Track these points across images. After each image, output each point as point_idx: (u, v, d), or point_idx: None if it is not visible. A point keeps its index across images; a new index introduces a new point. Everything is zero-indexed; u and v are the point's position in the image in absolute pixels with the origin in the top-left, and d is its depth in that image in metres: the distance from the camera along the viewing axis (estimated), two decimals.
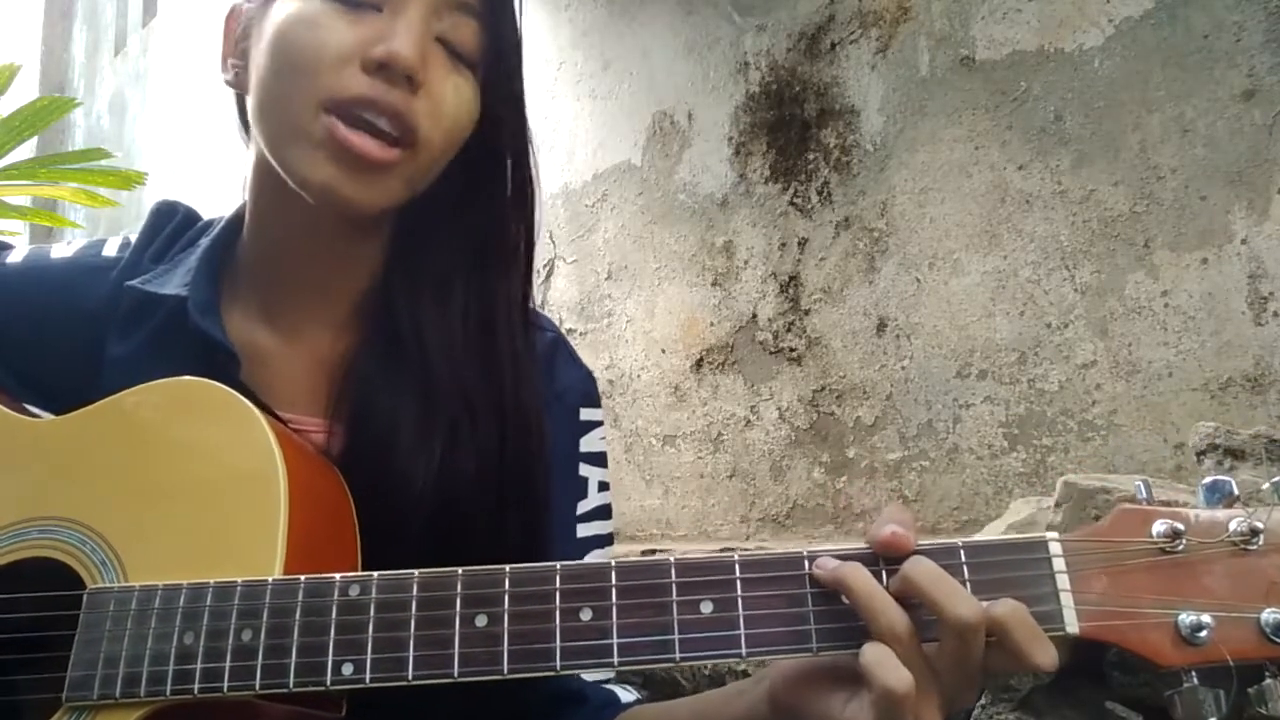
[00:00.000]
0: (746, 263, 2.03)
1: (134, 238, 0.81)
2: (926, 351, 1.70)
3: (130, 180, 2.17)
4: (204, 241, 0.79)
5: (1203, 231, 1.38)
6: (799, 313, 1.92)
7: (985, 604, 0.52)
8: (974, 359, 1.63)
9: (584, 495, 0.83)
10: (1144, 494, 0.57)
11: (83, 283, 0.78)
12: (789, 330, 1.94)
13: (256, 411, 0.64)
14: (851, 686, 0.56)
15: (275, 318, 0.78)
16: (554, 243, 2.51)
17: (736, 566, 0.56)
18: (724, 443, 2.03)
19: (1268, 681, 0.52)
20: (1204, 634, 0.52)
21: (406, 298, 0.77)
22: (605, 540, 0.83)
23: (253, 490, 0.61)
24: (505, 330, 0.77)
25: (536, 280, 2.74)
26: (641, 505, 2.19)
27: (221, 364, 0.70)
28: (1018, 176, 1.60)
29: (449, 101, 0.72)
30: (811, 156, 1.93)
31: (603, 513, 0.83)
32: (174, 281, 0.75)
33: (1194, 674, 0.53)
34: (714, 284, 2.09)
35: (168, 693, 0.56)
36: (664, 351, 2.19)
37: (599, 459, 0.85)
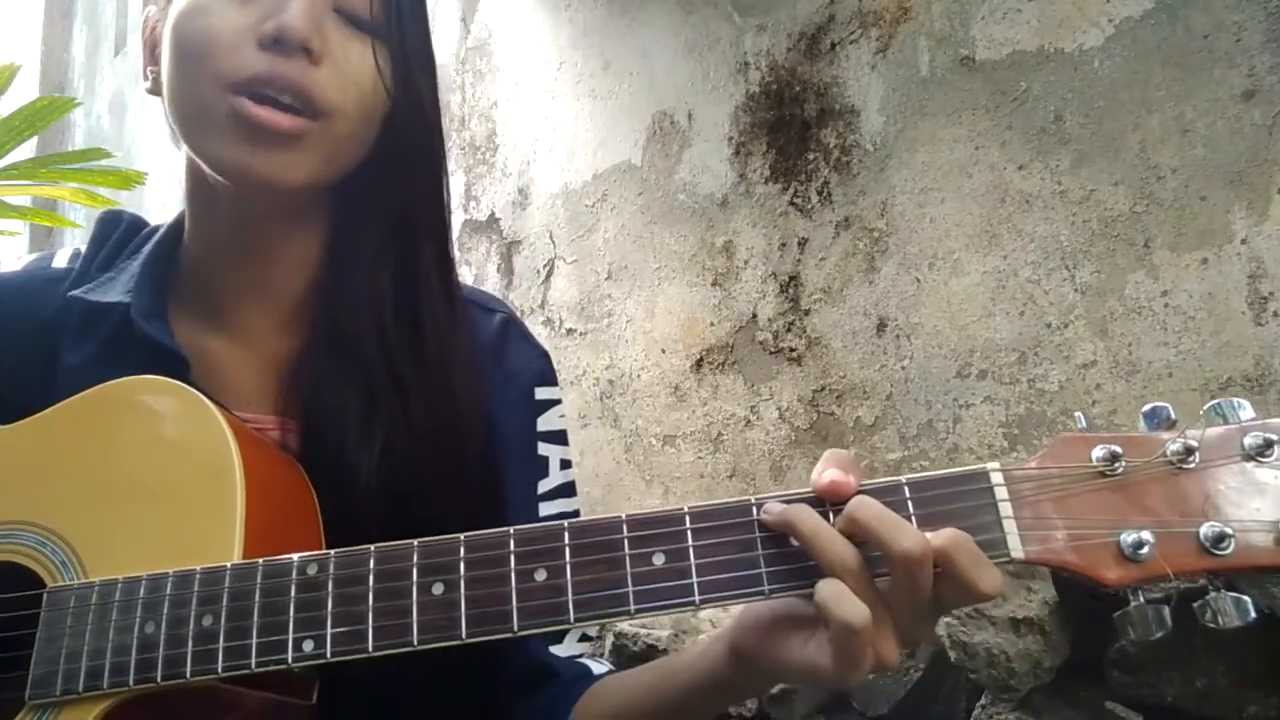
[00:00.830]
0: (746, 263, 2.03)
1: (84, 248, 0.82)
2: (926, 351, 1.70)
3: (130, 180, 2.17)
4: (146, 248, 0.80)
5: (1203, 231, 1.38)
6: (799, 313, 1.92)
7: (929, 535, 0.53)
8: (974, 359, 1.63)
9: (545, 474, 0.83)
10: (1083, 423, 0.58)
11: (34, 296, 0.79)
12: (789, 330, 1.94)
13: (211, 405, 0.65)
14: (809, 628, 0.57)
15: (221, 319, 0.79)
16: (554, 243, 2.51)
17: (686, 518, 0.57)
18: (724, 443, 2.04)
19: (1211, 595, 0.53)
20: (1145, 550, 0.53)
21: (342, 289, 0.78)
22: (571, 517, 0.84)
23: (209, 482, 0.62)
24: (428, 308, 0.78)
25: (537, 280, 2.74)
26: (641, 505, 2.19)
27: (172, 368, 0.71)
28: (1018, 176, 1.60)
29: (353, 68, 0.72)
30: (811, 156, 1.93)
31: (566, 490, 0.84)
32: (117, 289, 0.76)
33: (1140, 593, 0.54)
34: (714, 284, 2.09)
35: (131, 683, 0.57)
36: (664, 351, 2.19)
37: (558, 437, 0.86)
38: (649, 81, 2.27)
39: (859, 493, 0.56)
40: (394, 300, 0.77)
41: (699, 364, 2.10)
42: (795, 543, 0.55)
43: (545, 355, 0.88)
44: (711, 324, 2.09)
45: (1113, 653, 1.22)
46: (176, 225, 0.81)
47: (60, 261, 0.81)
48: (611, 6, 2.38)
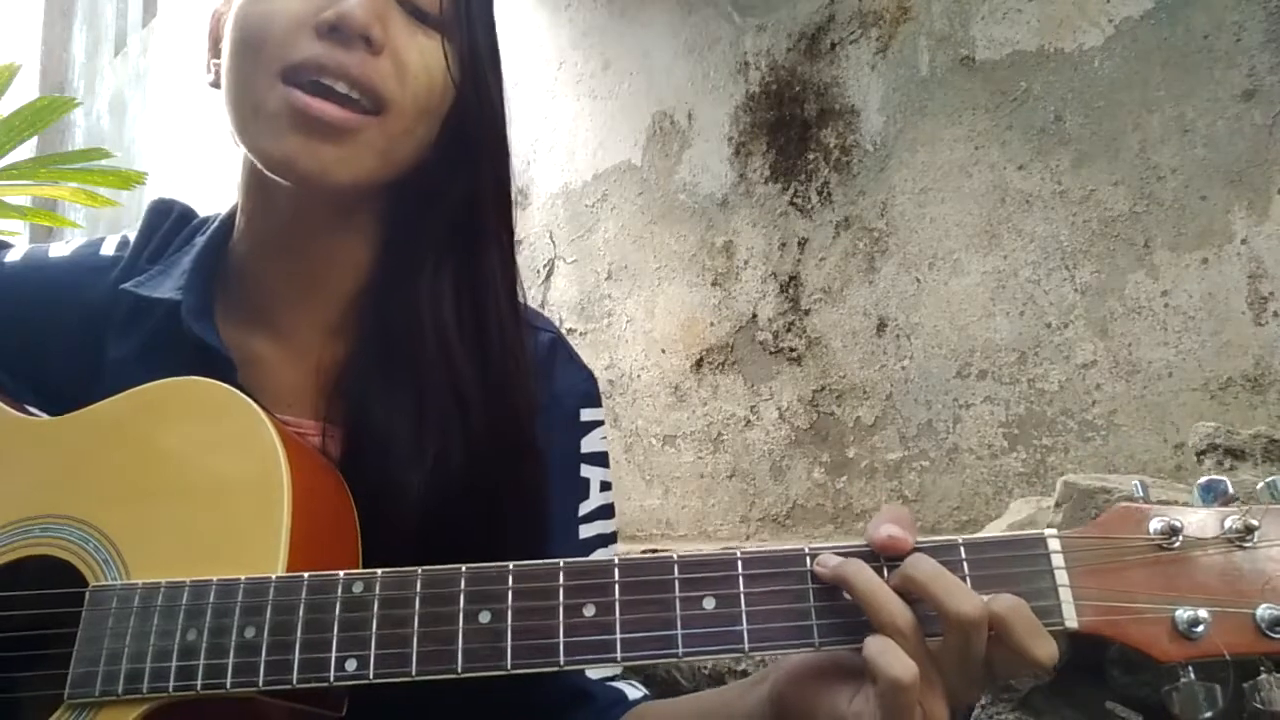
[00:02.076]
0: (746, 263, 2.03)
1: (132, 236, 0.80)
2: (926, 351, 1.70)
3: (130, 180, 2.17)
4: (199, 241, 0.78)
5: (1203, 231, 1.38)
6: (799, 313, 1.92)
7: (986, 599, 0.52)
8: (974, 359, 1.63)
9: (586, 496, 0.82)
10: (1141, 492, 0.58)
11: (82, 283, 0.77)
12: (789, 330, 1.94)
13: (259, 410, 0.64)
14: (855, 682, 0.56)
15: (268, 319, 0.77)
16: (554, 243, 2.51)
17: (739, 563, 0.56)
18: (724, 443, 2.03)
19: (1263, 677, 0.53)
20: (1200, 629, 0.53)
21: (398, 295, 0.75)
22: (609, 539, 0.83)
23: (256, 489, 0.61)
24: (495, 321, 0.76)
25: (537, 280, 2.74)
26: (641, 505, 2.19)
27: (217, 368, 0.70)
28: (1018, 176, 1.60)
29: (414, 62, 0.70)
30: (811, 156, 1.93)
31: (605, 512, 0.83)
32: (168, 284, 0.75)
33: (1191, 669, 0.54)
34: (714, 284, 2.09)
35: (170, 689, 0.56)
36: (664, 351, 2.19)
37: (600, 459, 0.85)
38: (649, 81, 2.27)
39: (915, 549, 0.55)
40: (455, 305, 0.75)
41: (699, 364, 2.10)
42: (848, 596, 0.55)
43: (591, 377, 0.87)
44: (711, 324, 2.09)
45: (1113, 653, 1.22)
46: (228, 221, 0.79)
47: (108, 249, 0.79)
48: (611, 6, 2.38)
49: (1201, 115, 1.39)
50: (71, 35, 6.23)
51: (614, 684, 0.78)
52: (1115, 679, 1.22)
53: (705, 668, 1.42)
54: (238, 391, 0.66)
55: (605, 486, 0.84)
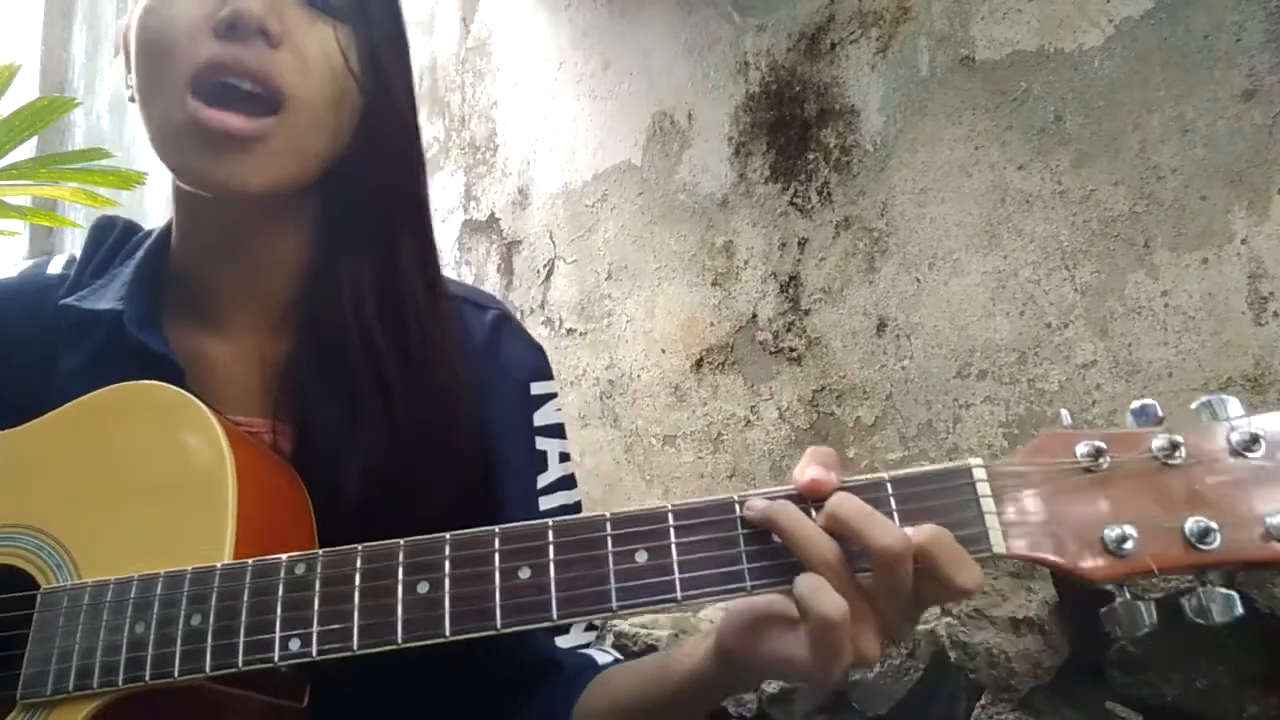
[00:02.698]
0: (746, 263, 2.03)
1: (79, 254, 0.82)
2: (926, 351, 1.70)
3: (130, 180, 2.17)
4: (139, 254, 0.80)
5: (1203, 231, 1.38)
6: (799, 313, 1.92)
7: (909, 531, 0.53)
8: (974, 359, 1.63)
9: (545, 468, 0.83)
10: (1068, 420, 0.58)
11: (29, 303, 0.79)
12: (789, 330, 1.94)
13: (205, 409, 0.65)
14: (791, 625, 0.56)
15: (215, 322, 0.78)
16: (554, 243, 2.51)
17: (670, 515, 0.57)
18: (724, 443, 2.04)
19: (1199, 589, 0.53)
20: (1129, 545, 0.53)
21: (325, 289, 0.77)
22: (572, 510, 0.84)
23: (202, 484, 0.62)
24: (411, 306, 0.77)
25: (537, 280, 2.74)
26: (642, 505, 2.19)
27: (165, 374, 0.71)
28: (1018, 176, 1.60)
29: (314, 52, 0.71)
30: (811, 156, 1.93)
31: (566, 483, 0.84)
32: (109, 296, 0.76)
33: (1125, 589, 0.54)
34: (714, 284, 2.09)
35: (120, 682, 0.57)
36: (664, 351, 2.19)
37: (556, 430, 0.86)
38: (649, 81, 2.27)
39: (840, 489, 0.56)
40: (376, 299, 0.76)
41: (699, 364, 2.10)
42: (778, 539, 0.55)
43: (540, 350, 0.88)
44: (711, 324, 2.09)
45: (1113, 653, 1.22)
46: (166, 231, 0.81)
47: (55, 268, 0.81)
48: (611, 6, 2.38)
49: (1201, 115, 1.39)
50: (71, 35, 6.22)
51: (584, 651, 0.79)
52: (1115, 679, 1.22)
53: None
54: (183, 392, 0.67)
55: (564, 458, 0.85)
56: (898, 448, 1.73)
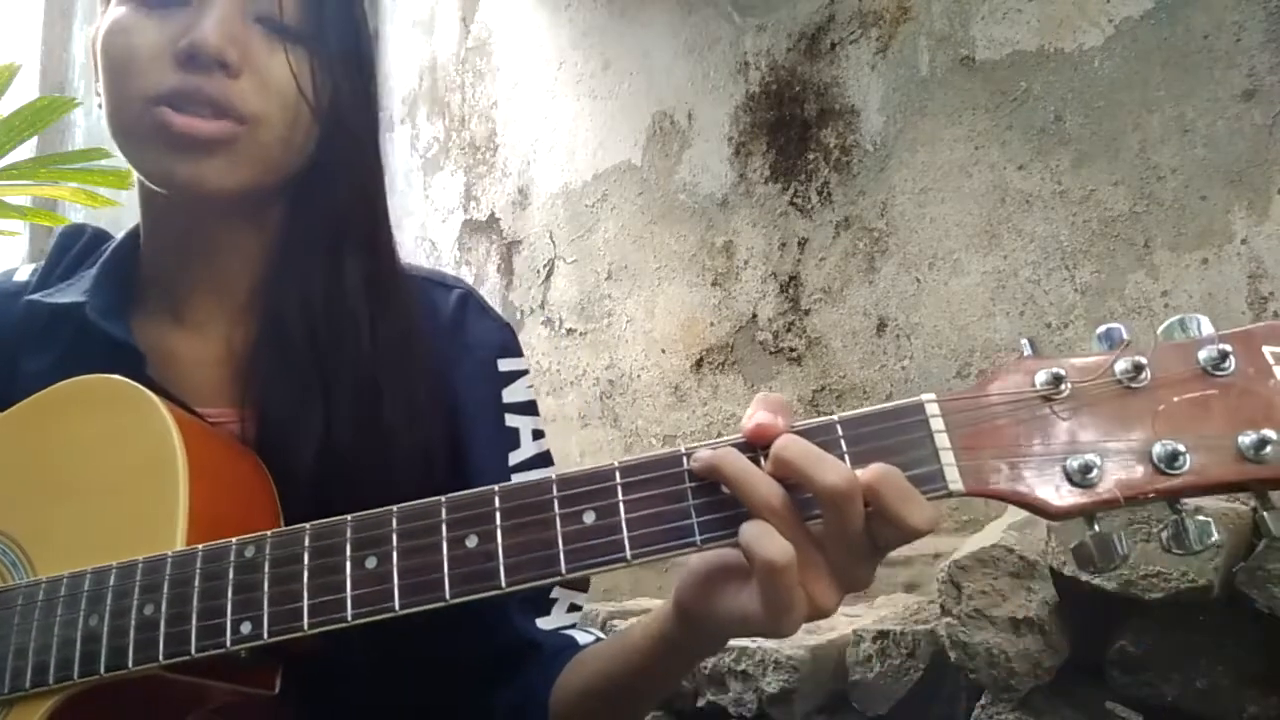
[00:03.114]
0: (746, 263, 2.03)
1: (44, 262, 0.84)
2: (926, 351, 1.70)
3: (130, 180, 2.16)
4: (105, 253, 0.81)
5: (1203, 231, 1.38)
6: (799, 313, 1.92)
7: (858, 471, 0.51)
8: (974, 359, 1.63)
9: (517, 445, 0.83)
10: (1029, 350, 0.54)
11: None
12: (789, 330, 1.94)
13: (154, 398, 0.65)
14: (745, 577, 0.55)
15: (181, 316, 0.80)
16: (554, 243, 2.51)
17: (616, 474, 0.55)
18: None
19: (1171, 518, 0.49)
20: (1093, 474, 0.49)
21: (281, 283, 0.78)
22: None
23: (152, 474, 0.62)
24: (355, 304, 0.78)
25: (537, 280, 2.74)
26: None
27: (128, 363, 0.72)
28: (1018, 176, 1.60)
29: (275, 77, 0.73)
30: (811, 156, 1.93)
31: (541, 460, 0.84)
32: (74, 292, 0.78)
33: (1095, 522, 0.50)
34: (714, 284, 2.09)
35: (75, 676, 0.57)
36: (664, 351, 2.19)
37: (527, 408, 0.85)
38: (649, 81, 2.27)
39: (787, 434, 0.54)
40: (323, 295, 0.78)
41: (699, 364, 2.10)
42: (726, 490, 0.54)
43: (508, 327, 0.88)
44: (711, 324, 2.09)
45: (1113, 653, 1.22)
46: (135, 232, 0.82)
47: (22, 275, 0.83)
48: (611, 6, 2.38)
49: (1201, 115, 1.39)
50: (71, 35, 6.22)
51: (566, 632, 0.79)
52: (1115, 679, 1.22)
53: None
54: (128, 381, 0.67)
55: (538, 435, 0.85)
56: None
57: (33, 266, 0.84)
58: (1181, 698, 1.18)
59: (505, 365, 0.85)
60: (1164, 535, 0.50)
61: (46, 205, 3.98)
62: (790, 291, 1.94)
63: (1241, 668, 1.16)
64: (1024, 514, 1.28)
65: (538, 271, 2.54)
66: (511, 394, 0.84)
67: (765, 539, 0.51)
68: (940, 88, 1.71)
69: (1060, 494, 0.50)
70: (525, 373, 0.86)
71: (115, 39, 0.72)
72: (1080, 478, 0.49)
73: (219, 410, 0.76)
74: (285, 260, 0.79)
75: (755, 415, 0.55)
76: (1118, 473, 0.49)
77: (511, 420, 0.83)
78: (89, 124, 5.68)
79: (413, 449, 0.75)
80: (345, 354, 0.76)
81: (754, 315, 2.01)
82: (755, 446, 0.54)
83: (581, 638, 0.78)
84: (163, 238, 0.79)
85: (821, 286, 1.88)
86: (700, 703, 1.50)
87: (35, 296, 0.77)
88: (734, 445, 0.55)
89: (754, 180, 2.03)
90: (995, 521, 1.38)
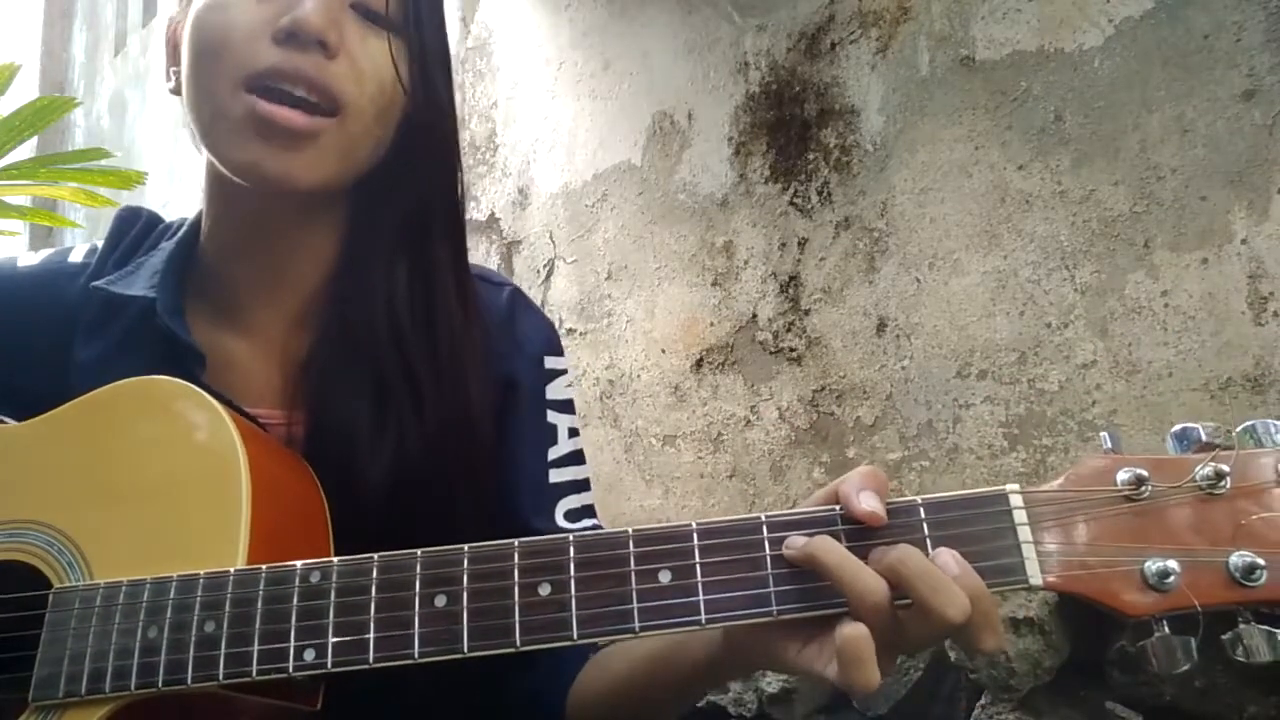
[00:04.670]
0: (746, 263, 2.03)
1: (101, 244, 0.83)
2: (926, 351, 1.70)
3: (130, 180, 2.17)
4: (166, 244, 0.80)
5: (1203, 231, 1.38)
6: (799, 313, 1.92)
7: (965, 602, 0.51)
8: (974, 359, 1.63)
9: (554, 442, 0.84)
10: (1109, 444, 0.56)
11: (50, 289, 0.79)
12: (789, 330, 1.94)
13: (219, 406, 0.65)
14: (806, 632, 0.55)
15: (236, 315, 0.79)
16: (554, 243, 2.51)
17: (694, 535, 0.55)
18: (724, 443, 2.03)
19: (1242, 627, 0.51)
20: (1171, 580, 0.51)
21: (356, 285, 0.78)
22: (582, 485, 0.84)
23: (215, 484, 0.62)
24: (443, 305, 0.78)
25: (537, 280, 2.73)
26: (641, 505, 2.19)
27: (187, 363, 0.71)
28: (1018, 176, 1.60)
29: (368, 64, 0.73)
30: (811, 156, 1.93)
31: (575, 458, 0.84)
32: (139, 283, 0.77)
33: (1164, 623, 0.52)
34: (714, 284, 2.09)
35: (132, 687, 0.56)
36: (664, 351, 2.19)
37: (566, 406, 0.86)
38: (649, 81, 2.27)
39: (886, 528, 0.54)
40: (409, 296, 0.77)
41: (699, 364, 2.10)
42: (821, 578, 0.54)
43: (552, 326, 0.89)
44: (711, 324, 2.09)
45: (1113, 653, 1.23)
46: (196, 224, 0.81)
47: (77, 256, 0.82)
48: (611, 6, 2.38)
49: (1201, 115, 1.39)
50: (71, 35, 6.22)
51: None
52: (1115, 679, 1.22)
53: None
54: (195, 387, 0.66)
55: (573, 433, 0.85)
56: (898, 448, 1.73)
57: (88, 246, 0.83)
58: (1181, 698, 1.19)
59: (550, 363, 0.86)
60: (1240, 646, 0.51)
61: (46, 205, 3.99)
62: (790, 291, 1.94)
63: (1241, 668, 1.16)
64: None
65: (538, 271, 2.54)
66: (553, 391, 0.85)
67: (864, 663, 0.51)
68: (940, 88, 1.72)
69: (1137, 597, 0.51)
70: (566, 371, 0.87)
71: (212, 16, 0.71)
72: (1157, 581, 0.51)
73: (267, 411, 0.75)
74: (357, 263, 0.78)
75: (866, 498, 0.54)
76: (1195, 580, 0.51)
77: (551, 417, 0.84)
78: (89, 124, 5.68)
79: (477, 461, 0.75)
80: (431, 354, 0.76)
81: (754, 315, 2.01)
82: (839, 518, 0.54)
83: None
84: (227, 233, 0.78)
85: (821, 286, 1.89)
86: (700, 702, 1.51)
87: (99, 284, 0.77)
88: (819, 516, 0.55)
89: (754, 180, 2.03)
90: None
